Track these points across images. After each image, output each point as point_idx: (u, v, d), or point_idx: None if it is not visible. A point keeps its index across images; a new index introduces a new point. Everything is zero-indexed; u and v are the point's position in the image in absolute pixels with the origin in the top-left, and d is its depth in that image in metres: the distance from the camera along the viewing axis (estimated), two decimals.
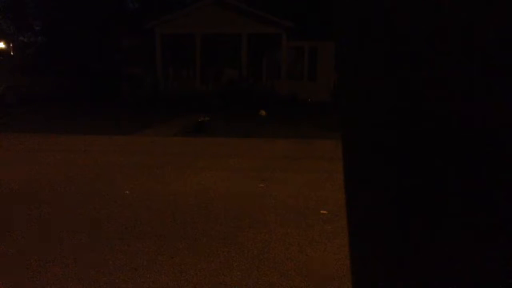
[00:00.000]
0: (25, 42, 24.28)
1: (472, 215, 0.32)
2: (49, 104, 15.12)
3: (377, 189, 0.39)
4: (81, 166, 4.97)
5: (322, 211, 3.33)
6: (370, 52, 0.38)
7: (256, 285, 2.16)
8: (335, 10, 0.42)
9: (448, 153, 0.33)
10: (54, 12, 22.87)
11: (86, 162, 5.22)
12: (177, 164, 5.23)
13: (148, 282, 2.18)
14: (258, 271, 2.31)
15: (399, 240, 0.37)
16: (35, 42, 24.34)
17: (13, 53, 21.92)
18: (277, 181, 4.31)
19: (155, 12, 19.02)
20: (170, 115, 11.55)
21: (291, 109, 14.27)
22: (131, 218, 3.15)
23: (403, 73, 0.35)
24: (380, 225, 0.39)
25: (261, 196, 3.78)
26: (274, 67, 16.95)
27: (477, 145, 0.32)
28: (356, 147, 0.41)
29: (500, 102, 0.31)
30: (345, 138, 0.43)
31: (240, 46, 16.21)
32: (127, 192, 3.87)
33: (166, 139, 7.44)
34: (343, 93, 0.43)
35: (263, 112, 11.63)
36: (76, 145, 6.63)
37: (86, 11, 22.20)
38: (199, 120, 8.43)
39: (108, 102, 16.08)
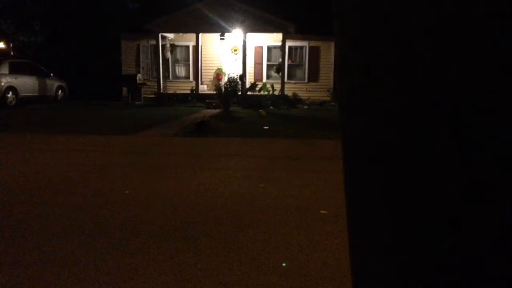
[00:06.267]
0: (25, 42, 24.28)
1: (472, 214, 0.32)
2: (49, 104, 15.12)
3: (377, 189, 0.39)
4: (81, 166, 4.97)
5: (322, 211, 3.33)
6: (370, 52, 0.38)
7: (256, 285, 2.16)
8: (335, 10, 0.42)
9: (448, 153, 0.33)
10: (53, 12, 22.87)
11: (86, 162, 5.22)
12: (177, 164, 5.23)
13: (148, 282, 2.18)
14: (258, 271, 2.31)
15: (400, 240, 0.37)
16: (35, 42, 24.34)
17: (13, 53, 21.93)
18: (278, 181, 4.31)
19: (155, 12, 19.01)
20: (169, 115, 11.54)
21: (291, 109, 14.27)
22: (131, 218, 3.15)
23: (403, 73, 0.35)
24: (380, 225, 0.39)
25: (261, 196, 3.78)
26: (274, 67, 16.93)
27: (477, 145, 0.32)
28: (356, 147, 0.41)
29: (500, 101, 0.31)
30: (345, 138, 0.43)
31: (241, 46, 16.20)
32: (127, 192, 3.87)
33: (166, 139, 7.45)
34: (343, 93, 0.43)
35: (263, 112, 11.64)
36: (76, 145, 6.63)
37: (86, 11, 22.20)
38: (199, 120, 8.44)
39: (108, 102, 16.08)
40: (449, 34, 0.32)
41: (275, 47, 16.78)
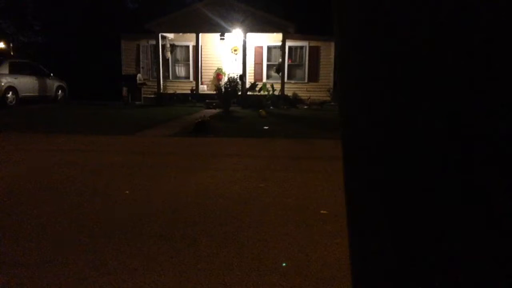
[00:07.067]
0: (25, 42, 24.29)
1: (471, 214, 0.32)
2: (49, 104, 15.12)
3: (377, 189, 0.39)
4: (81, 166, 4.97)
5: (322, 211, 3.33)
6: (370, 52, 0.38)
7: (256, 285, 2.16)
8: (335, 10, 0.42)
9: (448, 152, 0.33)
10: (53, 12, 22.87)
11: (86, 162, 5.22)
12: (177, 164, 5.23)
13: (148, 282, 2.18)
14: (258, 271, 2.31)
15: (399, 240, 0.37)
16: (35, 42, 24.35)
17: (13, 53, 21.92)
18: (277, 181, 4.31)
19: (155, 12, 19.00)
20: (169, 115, 11.55)
21: (291, 109, 14.27)
22: (131, 218, 3.15)
23: (404, 73, 0.35)
24: (380, 225, 0.39)
25: (261, 196, 3.78)
26: (274, 67, 16.93)
27: (476, 144, 0.32)
28: (356, 147, 0.41)
29: (500, 101, 0.31)
30: (345, 138, 0.43)
31: (241, 46, 16.19)
32: (127, 192, 3.87)
33: (166, 139, 7.45)
34: (343, 93, 0.43)
35: (263, 112, 11.64)
36: (76, 145, 6.63)
37: (86, 11, 22.19)
38: (199, 120, 8.43)
39: (108, 102, 16.08)
40: (450, 34, 0.32)
41: (275, 47, 16.78)
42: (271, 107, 14.28)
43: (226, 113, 12.31)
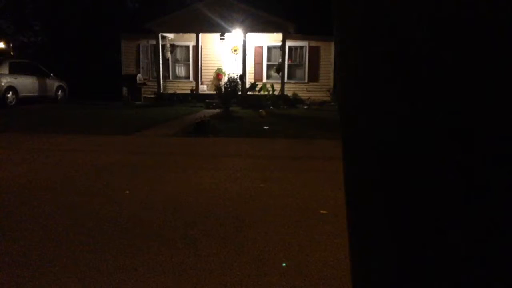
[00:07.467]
0: (25, 42, 24.29)
1: (471, 214, 0.32)
2: (49, 104, 15.12)
3: (377, 189, 0.39)
4: (81, 166, 4.97)
5: (322, 211, 3.33)
6: (370, 52, 0.38)
7: (256, 285, 2.16)
8: (335, 10, 0.42)
9: (448, 152, 0.33)
10: (53, 12, 22.86)
11: (86, 162, 5.22)
12: (177, 164, 5.23)
13: (148, 282, 2.18)
14: (258, 271, 2.31)
15: (400, 240, 0.37)
16: (35, 42, 24.36)
17: (13, 53, 21.92)
18: (277, 181, 4.31)
19: (155, 11, 19.00)
20: (169, 115, 11.55)
21: (291, 109, 14.27)
22: (131, 218, 3.15)
23: (403, 73, 0.35)
24: (380, 225, 0.39)
25: (261, 196, 3.78)
26: (274, 67, 16.93)
27: (476, 144, 0.32)
28: (356, 147, 0.41)
29: (500, 101, 0.31)
30: (345, 138, 0.43)
31: (241, 46, 16.19)
32: (127, 192, 3.87)
33: (166, 139, 7.45)
34: (343, 93, 0.43)
35: (263, 112, 11.64)
36: (76, 145, 6.63)
37: (86, 11, 22.19)
38: (199, 120, 8.43)
39: (108, 102, 16.08)
40: (450, 34, 0.32)
41: (275, 47, 16.78)
42: (271, 107, 14.28)
43: (226, 113, 12.31)
